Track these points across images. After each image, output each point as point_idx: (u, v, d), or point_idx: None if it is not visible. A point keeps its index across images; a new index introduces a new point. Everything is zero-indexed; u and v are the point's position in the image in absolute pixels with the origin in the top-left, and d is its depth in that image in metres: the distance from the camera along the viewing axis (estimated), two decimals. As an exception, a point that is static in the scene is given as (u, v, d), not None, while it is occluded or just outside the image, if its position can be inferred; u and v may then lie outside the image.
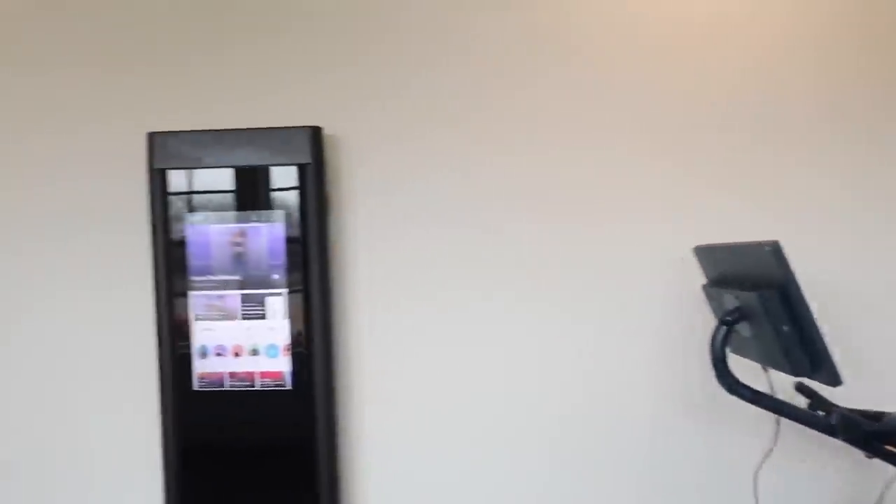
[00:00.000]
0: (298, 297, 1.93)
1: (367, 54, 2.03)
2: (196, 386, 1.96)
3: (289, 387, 1.94)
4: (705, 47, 1.93)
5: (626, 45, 1.95)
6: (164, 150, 1.97)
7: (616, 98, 1.96)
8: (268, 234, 1.94)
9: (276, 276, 1.94)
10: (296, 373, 1.93)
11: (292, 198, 1.95)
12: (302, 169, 1.93)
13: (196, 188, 1.97)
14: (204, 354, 1.96)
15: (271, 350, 1.94)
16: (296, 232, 1.94)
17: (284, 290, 1.94)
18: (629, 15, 1.95)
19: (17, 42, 2.11)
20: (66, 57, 2.10)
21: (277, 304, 1.94)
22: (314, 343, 1.93)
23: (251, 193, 1.97)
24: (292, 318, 1.94)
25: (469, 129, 2.00)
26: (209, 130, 1.96)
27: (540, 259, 1.98)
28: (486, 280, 2.00)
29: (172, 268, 1.97)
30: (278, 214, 1.95)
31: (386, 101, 2.02)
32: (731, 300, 1.54)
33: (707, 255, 1.71)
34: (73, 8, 2.09)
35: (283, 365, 1.94)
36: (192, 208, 1.97)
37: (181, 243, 1.97)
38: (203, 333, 1.96)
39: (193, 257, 1.96)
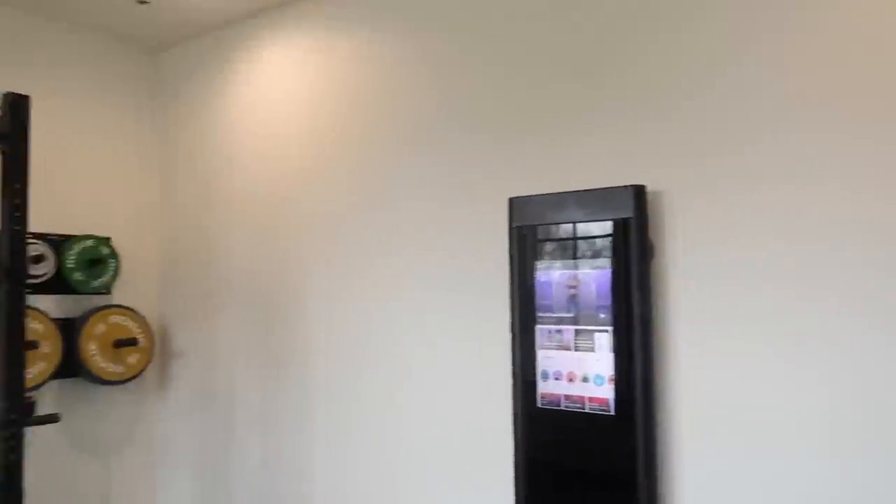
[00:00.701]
0: (622, 334, 2.21)
1: (686, 119, 2.23)
2: (539, 403, 2.38)
3: (612, 413, 2.21)
4: None
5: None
6: (520, 211, 2.48)
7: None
8: (597, 279, 2.28)
9: (602, 315, 2.25)
10: (618, 401, 2.20)
11: (618, 247, 2.25)
12: (626, 222, 2.22)
13: (542, 240, 2.42)
14: (545, 377, 2.37)
15: (598, 379, 2.25)
16: (620, 277, 2.23)
17: (610, 328, 2.24)
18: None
19: (413, 129, 2.90)
20: (445, 140, 2.80)
21: (603, 340, 2.24)
22: (635, 376, 2.17)
23: (585, 244, 2.34)
24: (616, 352, 2.22)
25: (783, 180, 2.04)
26: (553, 193, 2.40)
27: (883, 303, 1.88)
28: (810, 326, 1.98)
29: (524, 305, 2.44)
30: (605, 262, 2.27)
31: (704, 158, 2.19)
32: None
33: None
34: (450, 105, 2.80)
35: (607, 392, 2.22)
36: (538, 257, 2.42)
37: (531, 286, 2.43)
38: (545, 360, 2.37)
39: (539, 297, 2.40)
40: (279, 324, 3.40)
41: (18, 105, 2.50)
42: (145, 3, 3.39)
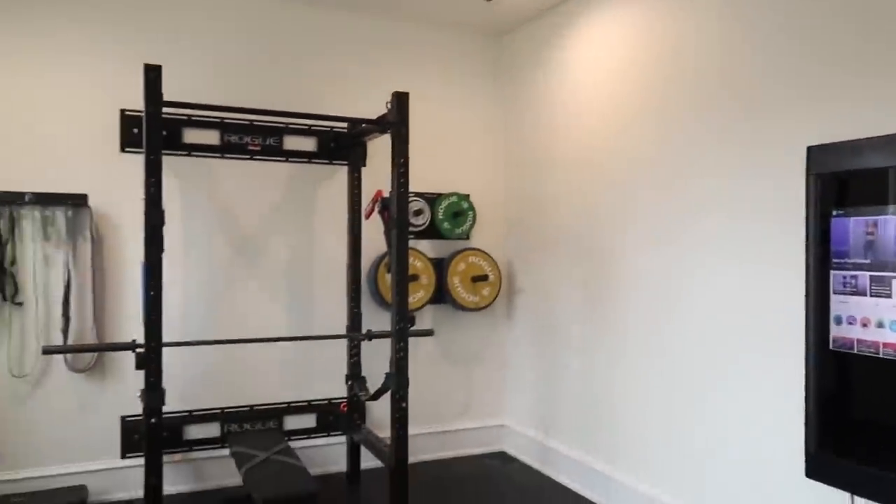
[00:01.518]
0: (922, 282, 2.17)
1: None
2: (831, 346, 2.45)
3: (909, 359, 2.20)
4: None
5: None
6: (820, 159, 2.52)
7: None
8: (896, 225, 2.25)
9: (901, 262, 2.23)
10: (916, 348, 2.18)
11: (923, 192, 2.19)
12: (931, 166, 2.15)
13: (841, 187, 2.45)
14: (839, 322, 2.43)
15: (893, 325, 2.25)
16: (923, 223, 2.17)
17: (909, 274, 2.21)
18: None
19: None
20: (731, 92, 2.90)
21: (901, 286, 2.23)
22: (934, 323, 2.13)
23: (886, 189, 2.31)
24: (913, 299, 2.19)
25: None
26: (854, 140, 2.39)
27: None
28: None
29: (819, 251, 2.50)
30: (907, 208, 2.22)
31: None
32: None
33: None
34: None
35: (904, 339, 2.22)
36: (835, 203, 2.45)
37: (826, 232, 2.48)
38: (838, 305, 2.42)
39: (835, 243, 2.45)
40: (595, 269, 3.89)
41: (401, 100, 3.41)
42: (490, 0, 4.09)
